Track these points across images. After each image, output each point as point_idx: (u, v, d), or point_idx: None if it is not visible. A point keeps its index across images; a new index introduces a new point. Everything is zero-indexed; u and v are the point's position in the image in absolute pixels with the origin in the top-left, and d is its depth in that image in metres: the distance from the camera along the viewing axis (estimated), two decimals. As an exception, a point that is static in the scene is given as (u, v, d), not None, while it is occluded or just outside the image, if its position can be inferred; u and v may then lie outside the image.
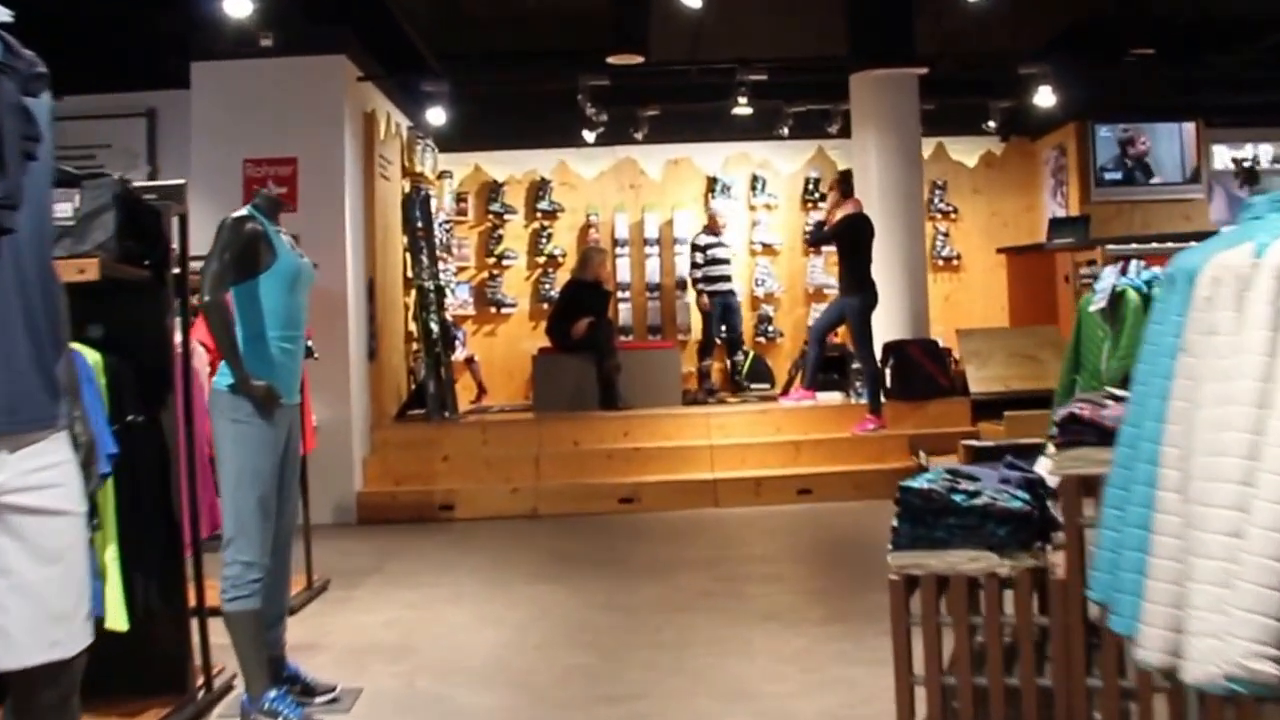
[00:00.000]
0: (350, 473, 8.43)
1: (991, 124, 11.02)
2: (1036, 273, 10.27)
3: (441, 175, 11.40)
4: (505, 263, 11.78)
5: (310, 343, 5.41)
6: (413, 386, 9.77)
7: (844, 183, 8.98)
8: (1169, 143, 11.51)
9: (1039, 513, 3.25)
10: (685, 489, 8.39)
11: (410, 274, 9.45)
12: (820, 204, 11.90)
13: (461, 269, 11.72)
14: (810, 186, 11.90)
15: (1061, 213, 11.30)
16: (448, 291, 10.67)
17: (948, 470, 3.43)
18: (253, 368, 3.79)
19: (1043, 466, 3.48)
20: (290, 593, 4.39)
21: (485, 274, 11.82)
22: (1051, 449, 3.30)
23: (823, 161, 12.00)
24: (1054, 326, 9.40)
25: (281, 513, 3.94)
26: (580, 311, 9.73)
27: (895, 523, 3.31)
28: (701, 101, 10.95)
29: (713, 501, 8.35)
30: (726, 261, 10.77)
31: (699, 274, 10.60)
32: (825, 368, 9.51)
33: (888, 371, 9.03)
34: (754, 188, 11.90)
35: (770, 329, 11.81)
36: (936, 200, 11.89)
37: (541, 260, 11.80)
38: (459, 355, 11.48)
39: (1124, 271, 5.05)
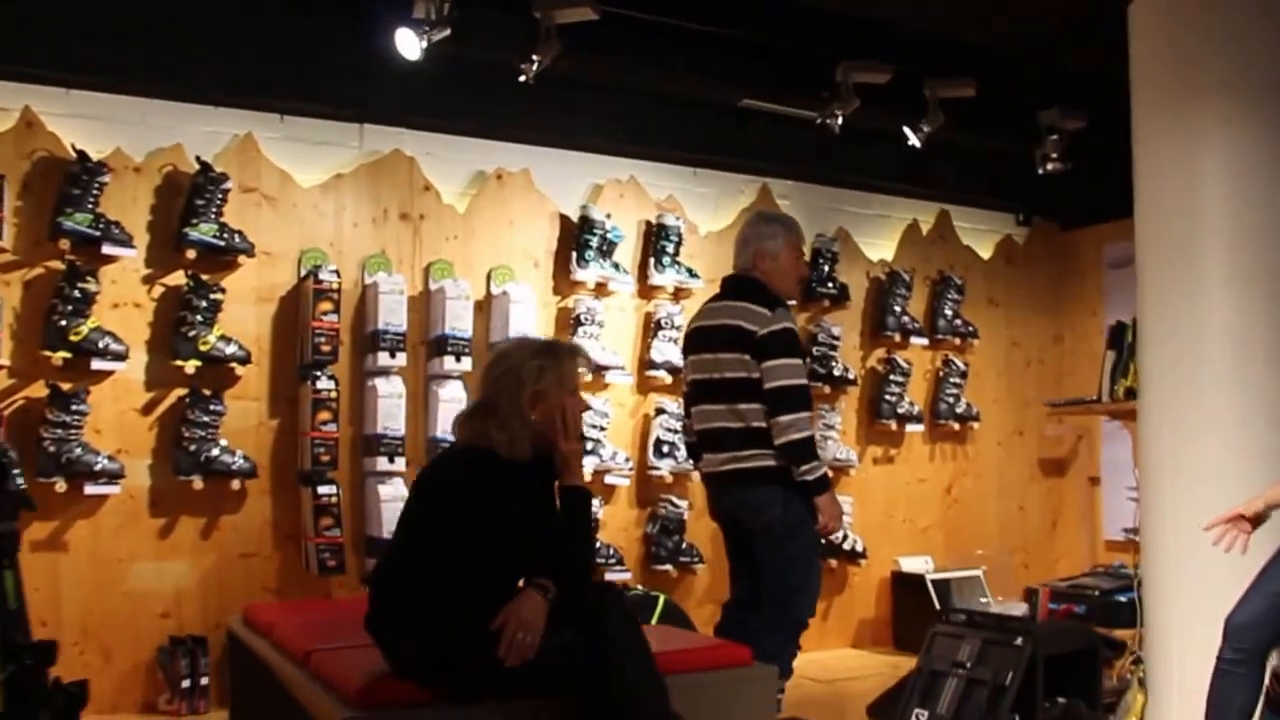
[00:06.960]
0: None
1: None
2: None
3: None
4: (99, 365, 4.67)
5: None
6: None
7: None
8: None
9: None
10: None
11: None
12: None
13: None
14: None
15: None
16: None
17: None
18: None
19: None
20: None
21: (40, 394, 4.61)
22: None
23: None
24: None
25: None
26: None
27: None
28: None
29: None
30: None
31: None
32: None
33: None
34: (659, 252, 5.83)
35: (683, 545, 5.78)
36: (947, 312, 6.64)
37: (191, 368, 4.84)
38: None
39: None
